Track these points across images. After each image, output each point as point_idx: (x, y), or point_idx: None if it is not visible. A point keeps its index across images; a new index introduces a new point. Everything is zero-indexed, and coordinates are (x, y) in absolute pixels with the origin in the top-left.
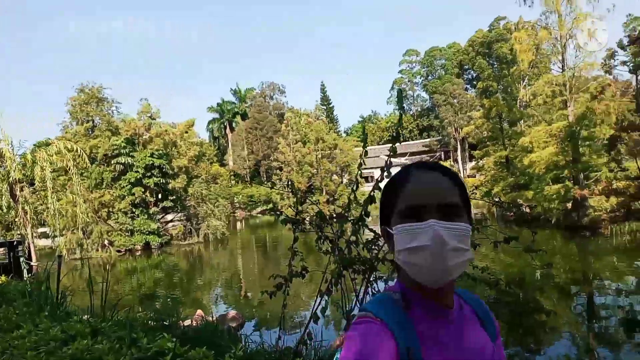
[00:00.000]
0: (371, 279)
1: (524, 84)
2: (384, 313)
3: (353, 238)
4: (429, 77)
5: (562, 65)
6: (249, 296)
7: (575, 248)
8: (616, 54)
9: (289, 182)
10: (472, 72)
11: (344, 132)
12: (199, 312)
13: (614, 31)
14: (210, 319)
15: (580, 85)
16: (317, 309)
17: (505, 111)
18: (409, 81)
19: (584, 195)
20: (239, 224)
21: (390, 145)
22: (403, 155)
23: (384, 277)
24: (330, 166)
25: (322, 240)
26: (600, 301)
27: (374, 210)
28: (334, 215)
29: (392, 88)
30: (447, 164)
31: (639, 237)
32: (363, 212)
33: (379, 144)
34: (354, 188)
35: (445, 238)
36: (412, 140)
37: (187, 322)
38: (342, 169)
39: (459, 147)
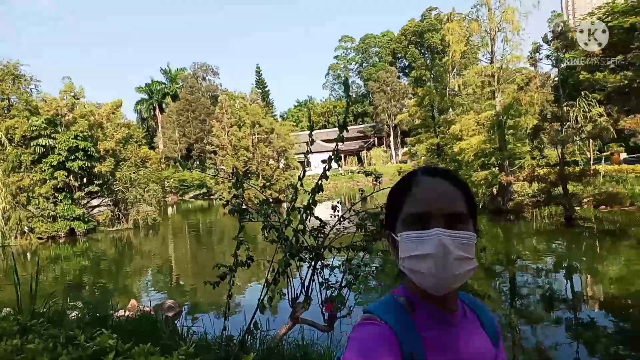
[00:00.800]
0: (317, 267)
1: (454, 73)
2: (389, 316)
3: (301, 227)
4: (364, 64)
5: (491, 57)
6: (181, 284)
7: (500, 231)
8: (541, 47)
9: (234, 170)
10: (404, 60)
11: (280, 116)
12: (133, 302)
13: (540, 27)
14: (147, 308)
15: (507, 76)
16: (264, 298)
17: (437, 100)
18: (344, 67)
19: (509, 181)
20: (170, 209)
21: (327, 130)
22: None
23: (329, 264)
24: (267, 151)
25: (268, 229)
26: (522, 280)
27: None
28: (271, 200)
29: (328, 74)
30: (380, 149)
31: (557, 220)
32: (311, 201)
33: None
34: (301, 176)
35: (450, 247)
36: (348, 125)
37: (121, 313)
38: (279, 154)
39: (392, 133)
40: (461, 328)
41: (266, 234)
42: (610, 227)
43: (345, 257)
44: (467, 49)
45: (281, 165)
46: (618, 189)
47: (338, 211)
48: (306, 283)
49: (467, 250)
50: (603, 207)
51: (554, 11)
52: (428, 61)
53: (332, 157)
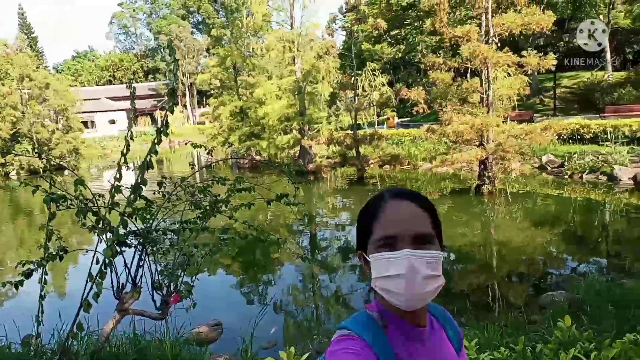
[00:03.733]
0: (148, 253)
1: (254, 35)
2: (365, 332)
3: (129, 209)
4: (153, 15)
5: (291, 23)
6: None
7: (301, 191)
8: (337, 18)
9: None
10: (198, 15)
11: (54, 69)
12: None
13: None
14: None
15: (307, 44)
16: (88, 295)
17: (239, 62)
18: (130, 17)
19: (310, 145)
20: None
21: (113, 86)
22: (129, 98)
23: (163, 249)
24: (41, 109)
25: (83, 215)
26: (322, 235)
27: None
28: (48, 168)
29: (112, 22)
30: (176, 109)
31: (350, 179)
32: (139, 179)
33: (97, 85)
34: (124, 151)
35: (418, 267)
36: (137, 82)
37: None
38: (57, 113)
39: (187, 92)
40: (430, 341)
41: (82, 220)
42: (393, 183)
43: (177, 238)
44: (269, 11)
45: (60, 126)
46: (398, 150)
47: (164, 186)
48: (133, 270)
49: (435, 269)
50: (387, 166)
51: None
52: (223, 19)
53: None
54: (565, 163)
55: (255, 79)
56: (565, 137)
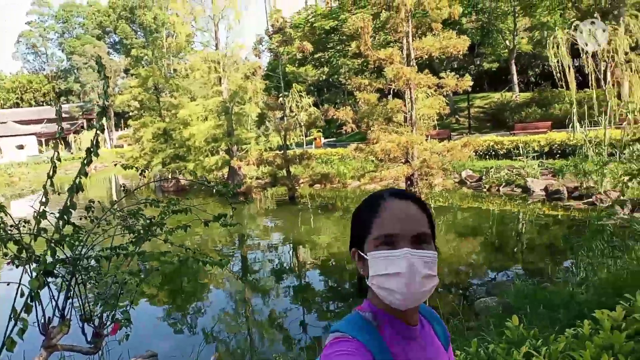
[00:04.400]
0: (78, 282)
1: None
2: (359, 333)
3: (56, 236)
4: (66, 35)
5: (216, 44)
6: None
7: (231, 212)
8: (263, 39)
9: None
10: (115, 36)
11: None
12: None
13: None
14: None
15: (232, 64)
16: (11, 332)
17: (162, 82)
18: (40, 36)
19: (239, 166)
20: None
21: (20, 110)
22: (39, 122)
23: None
24: None
25: (4, 244)
26: (252, 257)
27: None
28: None
29: (19, 42)
30: (91, 133)
31: (281, 199)
32: (69, 203)
33: (3, 108)
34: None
35: (417, 266)
36: (49, 105)
37: None
38: None
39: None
40: (422, 340)
41: (3, 250)
42: (323, 202)
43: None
44: (193, 32)
45: None
46: (327, 169)
47: (92, 211)
48: (61, 302)
49: (432, 268)
50: (317, 185)
51: (274, 7)
52: (142, 39)
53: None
54: (483, 177)
55: (178, 100)
56: (481, 153)
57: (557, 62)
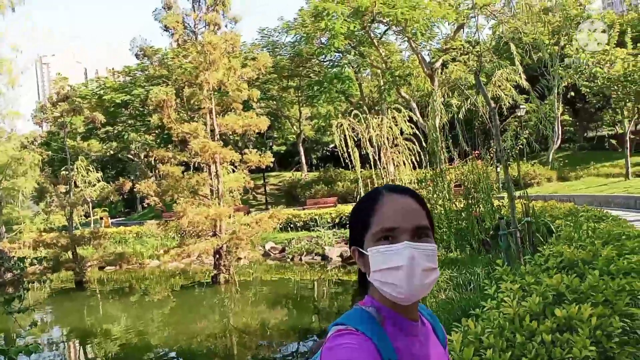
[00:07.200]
0: None
1: None
2: (362, 327)
3: None
4: None
5: None
6: None
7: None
8: (45, 108)
9: None
10: None
11: None
12: None
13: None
14: None
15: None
16: None
17: None
18: None
19: (10, 249)
20: None
21: None
22: None
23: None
24: None
25: None
26: None
27: None
28: None
29: None
30: None
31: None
32: None
33: None
34: None
35: (418, 259)
36: None
37: None
38: None
39: None
40: (422, 337)
41: None
42: (117, 286)
43: None
44: None
45: None
46: (123, 249)
47: None
48: None
49: (433, 261)
50: (111, 267)
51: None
52: None
53: None
54: (287, 248)
55: None
56: (282, 225)
57: (342, 143)
